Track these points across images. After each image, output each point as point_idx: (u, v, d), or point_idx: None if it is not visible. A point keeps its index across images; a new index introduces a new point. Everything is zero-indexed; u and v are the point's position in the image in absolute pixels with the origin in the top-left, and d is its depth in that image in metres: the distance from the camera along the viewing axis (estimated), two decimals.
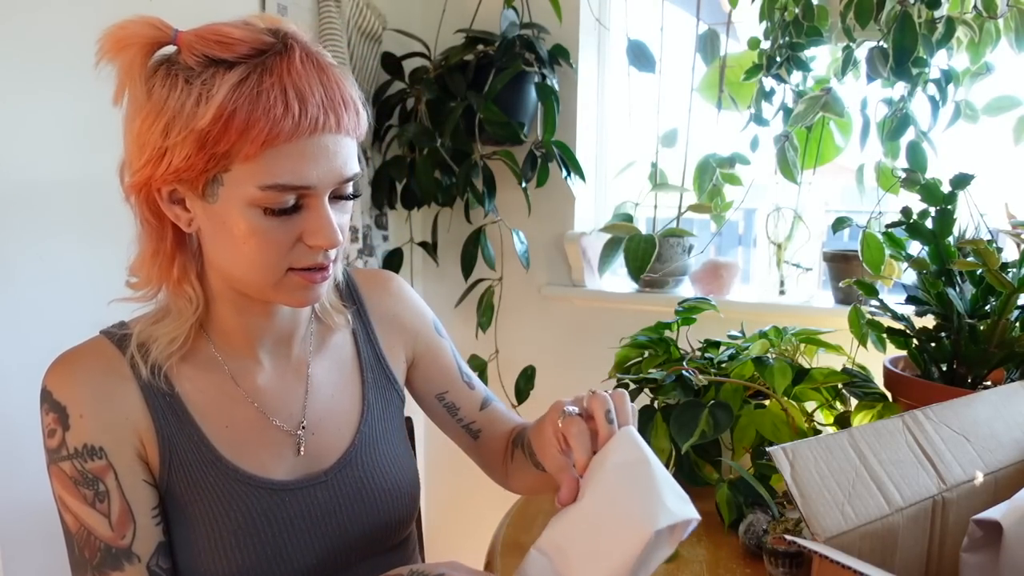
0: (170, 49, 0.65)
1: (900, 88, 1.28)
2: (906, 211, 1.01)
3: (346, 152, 0.67)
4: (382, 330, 0.88)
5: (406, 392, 0.92)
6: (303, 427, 0.78)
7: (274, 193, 0.63)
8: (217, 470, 0.72)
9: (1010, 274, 0.91)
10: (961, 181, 0.97)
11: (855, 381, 1.05)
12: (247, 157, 0.62)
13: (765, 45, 1.38)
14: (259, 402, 0.77)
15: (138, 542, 0.68)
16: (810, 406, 1.08)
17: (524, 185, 1.59)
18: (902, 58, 1.19)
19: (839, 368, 1.08)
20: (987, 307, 0.97)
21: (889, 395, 1.04)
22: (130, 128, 0.65)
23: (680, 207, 1.58)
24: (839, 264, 1.42)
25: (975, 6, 1.20)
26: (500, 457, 0.92)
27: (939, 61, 1.26)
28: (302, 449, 0.78)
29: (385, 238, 1.78)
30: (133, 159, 0.66)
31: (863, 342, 1.08)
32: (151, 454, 0.71)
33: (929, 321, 1.01)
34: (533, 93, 1.61)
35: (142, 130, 0.63)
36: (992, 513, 0.61)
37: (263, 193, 0.63)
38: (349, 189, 0.69)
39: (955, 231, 0.99)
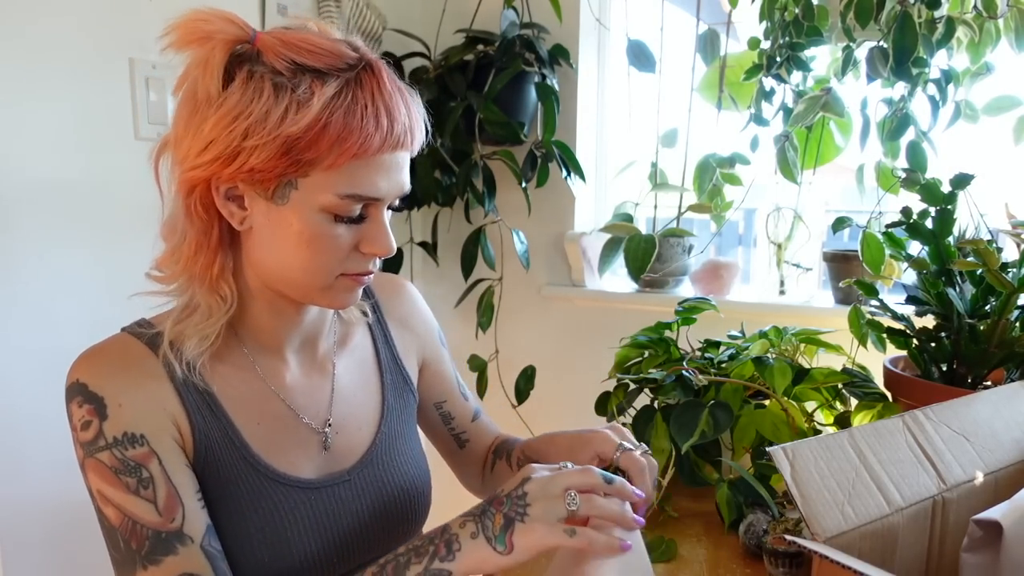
0: (244, 47, 0.65)
1: (900, 88, 1.28)
2: (906, 211, 1.01)
3: (407, 167, 0.71)
4: (397, 333, 0.90)
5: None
6: (329, 425, 0.79)
7: (349, 202, 0.66)
8: (248, 466, 0.73)
9: (1010, 274, 0.91)
10: (961, 181, 0.97)
11: (855, 381, 1.05)
12: (331, 166, 0.64)
13: (765, 45, 1.38)
14: (287, 398, 0.78)
15: (188, 524, 0.66)
16: (810, 406, 1.08)
17: (524, 185, 1.59)
18: (902, 58, 1.19)
19: (839, 368, 1.08)
20: (987, 307, 0.97)
21: (889, 395, 1.04)
22: (193, 122, 0.65)
23: (680, 207, 1.58)
24: (839, 264, 1.42)
25: (975, 6, 1.19)
26: (479, 466, 0.97)
27: (939, 61, 1.26)
28: (328, 446, 0.79)
29: None
30: (192, 154, 0.65)
31: (863, 342, 1.08)
32: (187, 444, 0.71)
33: (929, 321, 1.01)
34: (533, 93, 1.61)
35: (215, 129, 0.63)
36: (992, 513, 0.61)
37: (339, 201, 0.66)
38: (397, 201, 0.73)
39: (955, 231, 0.99)
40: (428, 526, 0.90)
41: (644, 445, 0.78)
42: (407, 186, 0.71)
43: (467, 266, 1.66)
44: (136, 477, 0.66)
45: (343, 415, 0.81)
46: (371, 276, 0.73)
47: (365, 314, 0.87)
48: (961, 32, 1.21)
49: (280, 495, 0.73)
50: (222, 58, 0.64)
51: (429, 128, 0.73)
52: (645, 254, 1.42)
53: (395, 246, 0.71)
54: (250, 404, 0.75)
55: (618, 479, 0.65)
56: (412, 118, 0.68)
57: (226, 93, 0.64)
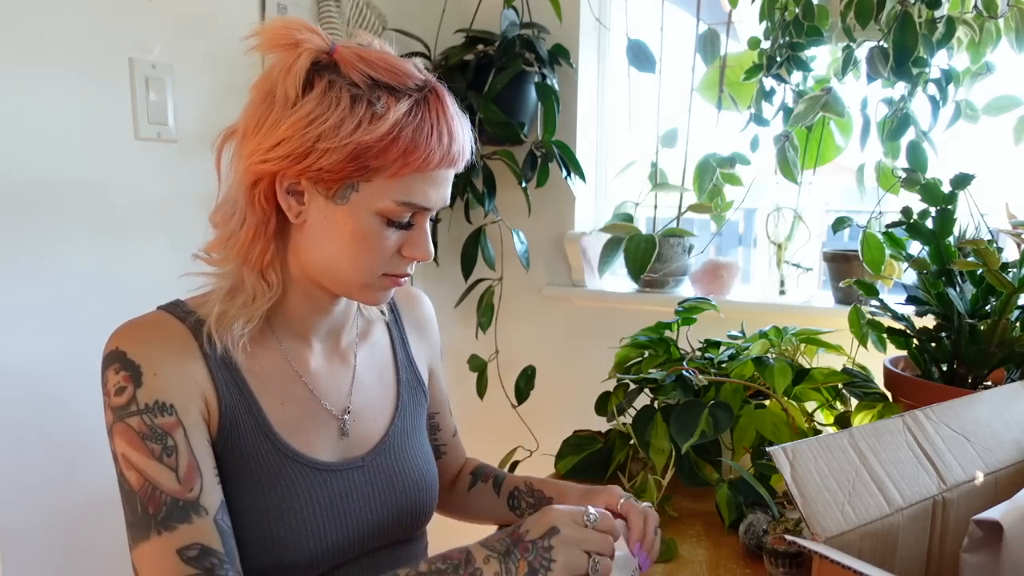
0: (323, 58, 0.71)
1: (900, 88, 1.28)
2: (906, 211, 1.01)
3: (451, 183, 0.77)
4: (413, 337, 0.95)
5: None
6: (348, 411, 0.83)
7: (403, 209, 0.72)
8: (270, 443, 0.76)
9: (1010, 274, 0.91)
10: (961, 181, 0.97)
11: (855, 381, 1.05)
12: (393, 175, 0.70)
13: (765, 45, 1.38)
14: (311, 383, 0.81)
15: (205, 495, 0.69)
16: (810, 406, 1.08)
17: (524, 185, 1.59)
18: (902, 58, 1.19)
19: (839, 368, 1.08)
20: (987, 307, 0.97)
21: (889, 395, 1.04)
22: (268, 120, 0.70)
23: (680, 207, 1.58)
24: (839, 264, 1.42)
25: (975, 6, 1.20)
26: (447, 478, 1.02)
27: (939, 61, 1.26)
28: (347, 431, 0.82)
29: None
30: (263, 148, 0.70)
31: (863, 342, 1.08)
32: (213, 419, 0.74)
33: (929, 321, 1.01)
34: (533, 93, 1.61)
35: (290, 129, 0.69)
36: (992, 513, 0.61)
37: (395, 207, 0.72)
38: (436, 212, 0.79)
39: (955, 231, 0.99)
40: (434, 530, 0.91)
41: (648, 504, 0.83)
42: (448, 199, 0.77)
43: (467, 266, 1.66)
44: (162, 444, 0.69)
45: (361, 404, 0.85)
46: (408, 278, 0.78)
47: (383, 312, 0.92)
48: (961, 32, 1.21)
49: (297, 474, 0.76)
50: (305, 65, 0.69)
51: (475, 149, 0.78)
52: (645, 254, 1.42)
53: (433, 252, 0.78)
54: (276, 385, 0.78)
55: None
56: (466, 140, 0.75)
57: (305, 98, 0.69)
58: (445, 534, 2.01)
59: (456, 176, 0.78)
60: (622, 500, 0.81)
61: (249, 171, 0.72)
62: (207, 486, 0.70)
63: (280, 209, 0.74)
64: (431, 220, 0.79)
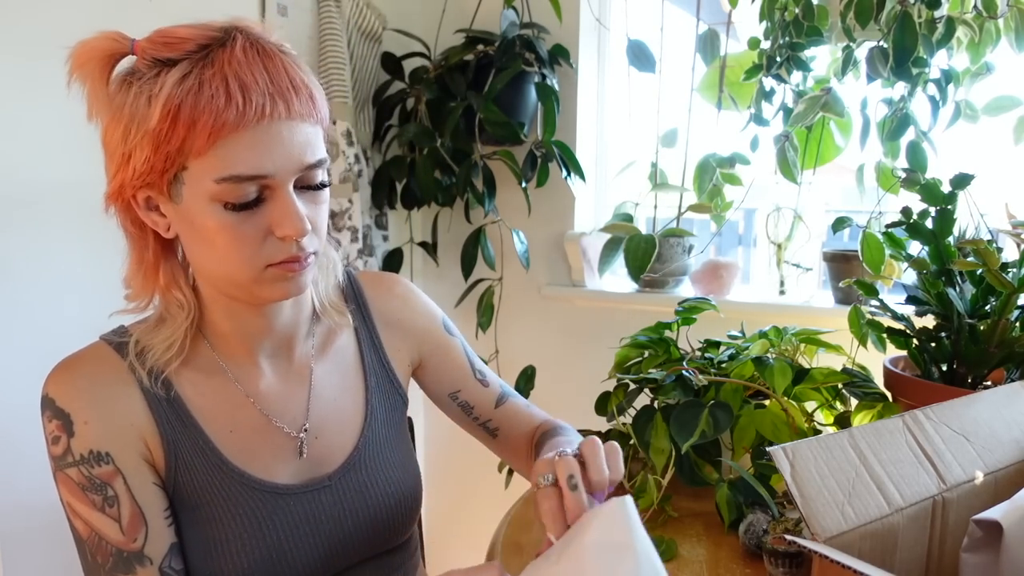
0: (131, 60, 0.65)
1: (900, 88, 1.28)
2: (906, 211, 1.01)
3: (304, 139, 0.65)
4: (386, 333, 0.88)
5: (410, 393, 0.92)
6: (305, 430, 0.78)
7: (231, 185, 0.62)
8: (223, 473, 0.73)
9: (1010, 274, 0.91)
10: (961, 181, 0.97)
11: (855, 381, 1.05)
12: (199, 152, 0.61)
13: (765, 45, 1.38)
14: (261, 405, 0.77)
15: (150, 544, 0.68)
16: (810, 406, 1.08)
17: (524, 185, 1.59)
18: (902, 58, 1.19)
19: (839, 368, 1.08)
20: (987, 307, 0.97)
21: (889, 395, 1.04)
22: (102, 138, 0.67)
23: (680, 207, 1.58)
24: (839, 264, 1.42)
25: (975, 6, 1.19)
26: (524, 455, 0.90)
27: (939, 61, 1.26)
28: (304, 452, 0.78)
29: (385, 238, 1.78)
30: (107, 168, 0.67)
31: (863, 342, 1.08)
32: (157, 458, 0.71)
33: (929, 321, 1.01)
34: (533, 93, 1.61)
35: (107, 138, 0.65)
36: (992, 513, 0.61)
37: (220, 187, 0.62)
38: (317, 178, 0.68)
39: (955, 231, 0.99)
40: (428, 526, 0.90)
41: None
42: (307, 158, 0.65)
43: (467, 266, 1.66)
44: (102, 495, 0.67)
45: (321, 420, 0.80)
46: (307, 260, 0.68)
47: (350, 320, 0.85)
48: (961, 32, 1.21)
49: (257, 501, 0.73)
50: (101, 74, 0.65)
51: (315, 90, 0.67)
52: (645, 254, 1.42)
53: (307, 226, 0.66)
54: (222, 411, 0.74)
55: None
56: (280, 85, 0.63)
57: (111, 103, 0.65)
58: (445, 534, 2.01)
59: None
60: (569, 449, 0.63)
61: (106, 198, 0.68)
62: (153, 533, 0.68)
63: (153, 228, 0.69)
64: (314, 187, 0.68)
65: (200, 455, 0.72)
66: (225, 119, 0.60)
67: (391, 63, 1.68)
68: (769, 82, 1.40)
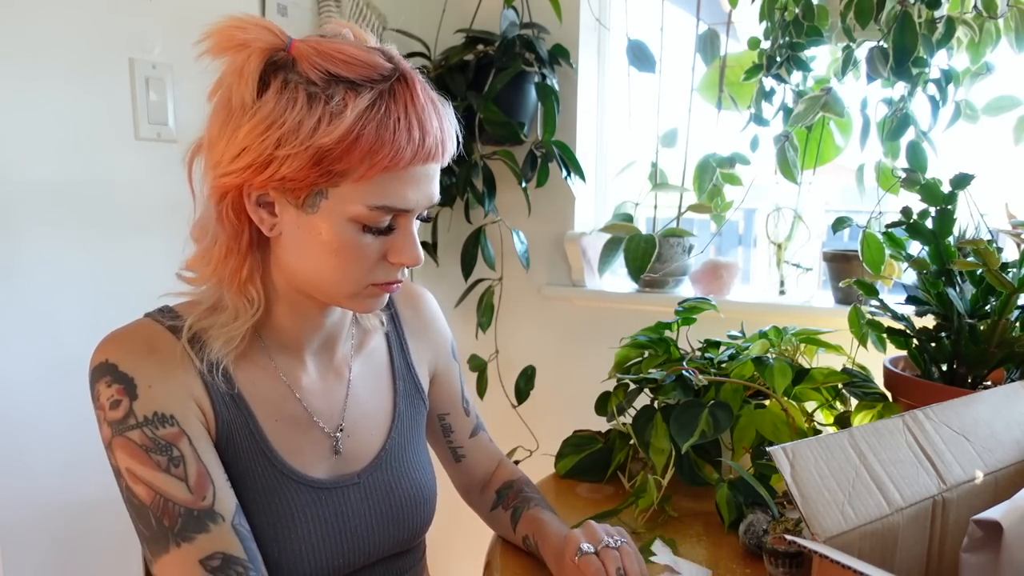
0: (280, 55, 0.65)
1: (900, 88, 1.28)
2: (906, 211, 1.01)
3: (438, 178, 0.71)
4: (413, 342, 0.91)
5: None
6: (341, 429, 0.81)
7: (378, 213, 0.67)
8: (266, 461, 0.74)
9: (1010, 274, 0.91)
10: (961, 181, 0.97)
11: (855, 381, 1.05)
12: (361, 178, 0.65)
13: (765, 45, 1.38)
14: (305, 401, 0.79)
15: (219, 502, 0.68)
16: (810, 406, 1.08)
17: (524, 185, 1.59)
18: (902, 58, 1.19)
19: (839, 368, 1.08)
20: (987, 307, 0.97)
21: (889, 395, 1.04)
22: (227, 129, 0.65)
23: (680, 207, 1.58)
24: (839, 264, 1.42)
25: (975, 6, 1.19)
26: (475, 486, 0.99)
27: (939, 61, 1.26)
28: (340, 449, 0.80)
29: None
30: (225, 160, 0.66)
31: (863, 342, 1.08)
32: (211, 430, 0.72)
33: (929, 321, 1.01)
34: (533, 93, 1.61)
35: (249, 136, 0.64)
36: (992, 513, 0.61)
37: (369, 212, 0.66)
38: (427, 211, 0.73)
39: (955, 231, 0.99)
40: (434, 533, 0.91)
41: (620, 533, 0.78)
42: (436, 197, 0.71)
43: (467, 266, 1.66)
44: (167, 456, 0.67)
45: (355, 419, 0.82)
46: (400, 285, 0.73)
47: (382, 323, 0.89)
48: (961, 32, 1.21)
49: (292, 492, 0.75)
50: (257, 66, 0.64)
51: (460, 138, 0.72)
52: (645, 254, 1.42)
53: (422, 256, 0.72)
54: (270, 403, 0.76)
55: None
56: (444, 130, 0.68)
57: (260, 101, 0.64)
58: (445, 534, 2.01)
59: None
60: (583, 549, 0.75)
61: (214, 185, 0.68)
62: (220, 492, 0.68)
63: (253, 221, 0.70)
64: (423, 219, 0.74)
65: (249, 439, 0.73)
66: (402, 157, 0.64)
67: (425, 72, 1.68)
68: (769, 82, 1.40)
